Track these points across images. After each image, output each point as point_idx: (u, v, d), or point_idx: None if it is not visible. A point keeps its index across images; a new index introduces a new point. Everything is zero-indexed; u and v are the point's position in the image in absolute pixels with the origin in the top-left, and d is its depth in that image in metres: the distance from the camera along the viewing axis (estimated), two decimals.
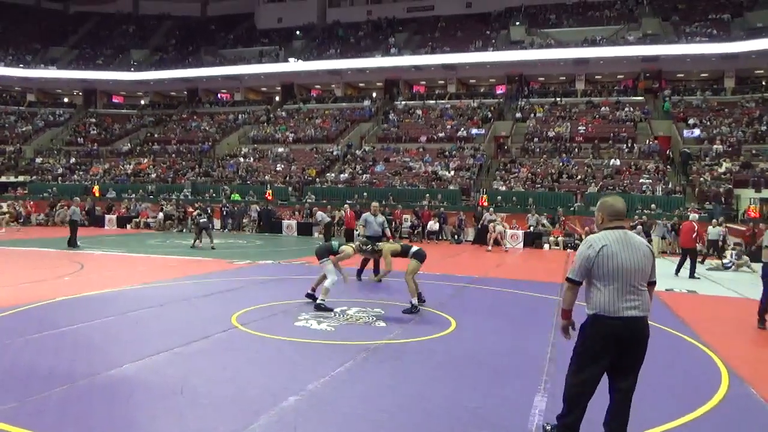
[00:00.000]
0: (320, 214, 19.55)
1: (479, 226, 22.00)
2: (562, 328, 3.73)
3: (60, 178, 34.42)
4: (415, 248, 8.67)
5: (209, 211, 25.38)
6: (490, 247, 19.80)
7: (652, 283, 3.58)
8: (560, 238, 20.98)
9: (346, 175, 29.98)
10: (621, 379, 3.52)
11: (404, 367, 5.57)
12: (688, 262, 13.58)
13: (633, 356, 3.48)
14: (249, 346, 6.18)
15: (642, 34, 35.68)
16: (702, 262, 15.70)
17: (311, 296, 8.53)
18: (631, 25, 37.16)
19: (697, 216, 16.13)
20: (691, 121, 30.12)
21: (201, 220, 17.60)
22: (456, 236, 22.67)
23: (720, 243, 17.78)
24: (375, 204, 12.16)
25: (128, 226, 26.66)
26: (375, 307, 8.36)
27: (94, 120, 43.97)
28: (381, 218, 11.71)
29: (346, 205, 20.70)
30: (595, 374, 3.50)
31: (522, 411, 4.44)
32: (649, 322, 3.51)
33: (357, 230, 17.98)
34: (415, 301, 8.10)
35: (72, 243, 16.97)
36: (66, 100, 48.77)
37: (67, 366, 5.23)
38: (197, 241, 17.48)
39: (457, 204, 25.27)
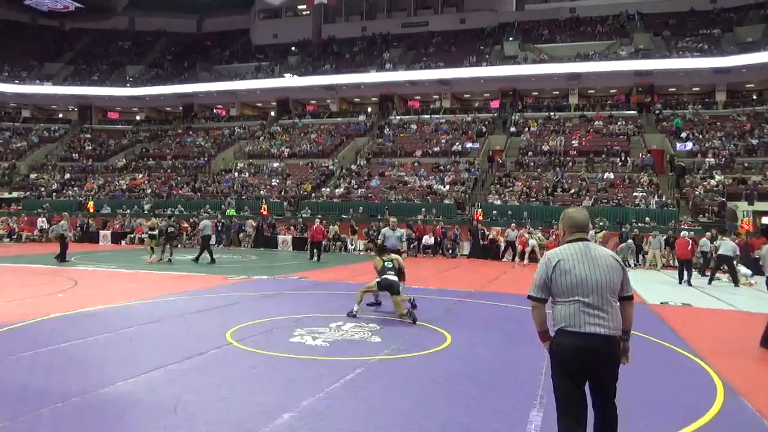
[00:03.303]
0: (204, 223, 18.34)
1: (503, 241, 21.90)
2: (547, 351, 3.50)
3: (54, 194, 34.33)
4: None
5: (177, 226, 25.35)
6: (525, 261, 20.40)
7: (626, 298, 3.36)
8: None
9: (342, 189, 30.02)
10: (599, 401, 3.33)
11: (399, 382, 5.55)
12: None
13: (601, 377, 3.27)
14: (244, 363, 6.15)
15: (634, 49, 36.06)
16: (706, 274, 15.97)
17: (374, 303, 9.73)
18: (623, 40, 37.57)
19: (686, 232, 16.79)
20: (683, 135, 30.36)
21: (170, 230, 18.11)
22: (451, 250, 22.69)
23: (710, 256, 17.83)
24: (393, 219, 12.58)
25: (123, 242, 26.57)
26: (370, 323, 8.35)
27: (89, 136, 43.97)
28: (399, 232, 11.93)
29: (316, 219, 21.10)
30: (573, 391, 3.24)
31: (518, 426, 4.43)
32: (643, 336, 3.47)
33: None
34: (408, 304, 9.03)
35: (61, 258, 17.01)
36: (61, 115, 48.75)
37: (59, 384, 5.19)
38: (157, 254, 17.98)
39: (453, 218, 25.32)
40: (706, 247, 17.30)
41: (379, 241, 12.39)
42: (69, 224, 18.58)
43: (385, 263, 9.17)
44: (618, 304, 3.33)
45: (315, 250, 20.03)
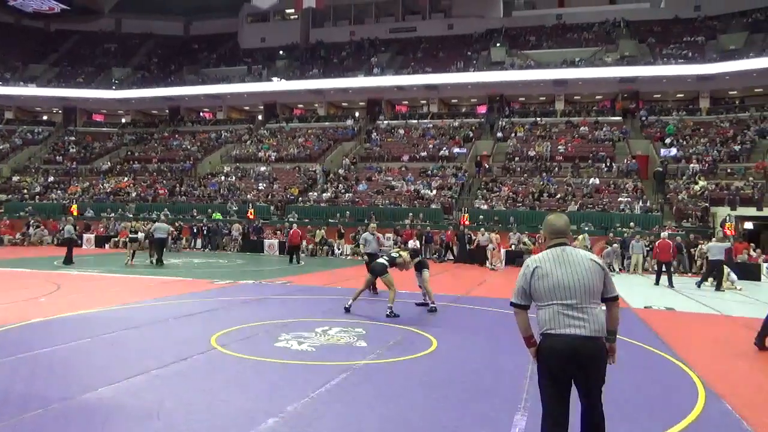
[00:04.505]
0: (157, 225, 18.68)
1: (476, 246, 21.92)
2: (533, 356, 3.52)
3: (37, 196, 33.91)
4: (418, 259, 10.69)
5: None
6: (495, 266, 20.32)
7: (610, 299, 3.39)
8: None
9: (329, 194, 29.98)
10: (584, 403, 3.36)
11: (385, 387, 5.55)
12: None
13: (584, 379, 3.28)
14: (228, 368, 6.10)
15: (619, 56, 36.44)
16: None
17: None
18: (609, 47, 37.95)
19: (667, 234, 17.23)
20: (667, 141, 30.73)
21: (157, 236, 18.45)
22: (438, 255, 22.73)
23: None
24: (373, 225, 13.40)
25: (107, 246, 26.31)
26: (356, 327, 8.34)
27: (73, 138, 43.47)
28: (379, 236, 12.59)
29: (294, 224, 22.20)
30: (556, 393, 3.29)
31: (502, 429, 4.44)
32: (626, 339, 3.50)
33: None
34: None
35: (68, 261, 17.50)
36: (45, 117, 48.15)
37: (41, 389, 5.12)
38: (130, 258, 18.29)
39: (440, 223, 25.37)
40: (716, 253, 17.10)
41: (361, 246, 12.89)
42: (73, 228, 18.83)
43: (391, 252, 10.53)
44: (600, 306, 3.35)
45: (293, 254, 20.49)
